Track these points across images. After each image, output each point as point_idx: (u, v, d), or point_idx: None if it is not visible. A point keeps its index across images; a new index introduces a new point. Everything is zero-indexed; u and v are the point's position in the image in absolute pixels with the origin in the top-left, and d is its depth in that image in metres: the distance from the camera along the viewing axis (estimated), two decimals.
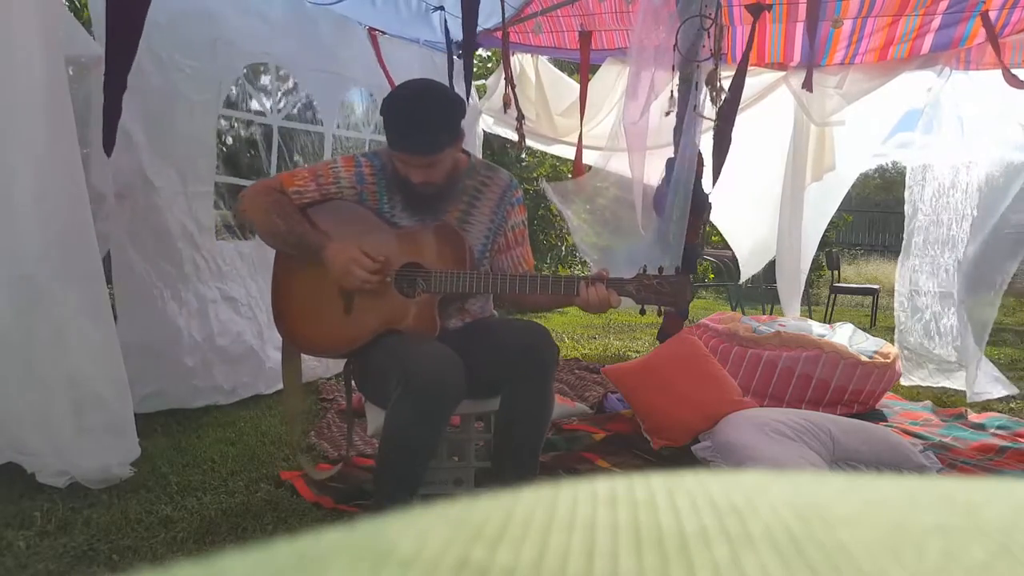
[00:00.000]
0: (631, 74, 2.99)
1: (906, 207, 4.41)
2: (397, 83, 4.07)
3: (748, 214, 4.66)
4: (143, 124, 2.76)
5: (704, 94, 2.93)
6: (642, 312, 1.86)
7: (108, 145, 2.37)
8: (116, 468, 2.18)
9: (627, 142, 2.97)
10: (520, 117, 3.80)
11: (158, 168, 2.85)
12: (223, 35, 3.06)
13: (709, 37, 2.81)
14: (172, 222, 2.91)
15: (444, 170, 1.86)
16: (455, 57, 4.32)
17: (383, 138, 3.88)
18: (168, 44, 2.83)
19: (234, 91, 3.30)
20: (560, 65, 4.86)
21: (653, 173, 3.03)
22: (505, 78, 3.88)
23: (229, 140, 3.57)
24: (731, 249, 5.30)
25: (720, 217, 4.88)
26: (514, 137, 4.52)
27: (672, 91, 2.92)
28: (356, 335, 1.88)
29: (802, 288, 4.69)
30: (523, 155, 7.25)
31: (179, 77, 2.90)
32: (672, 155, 3.05)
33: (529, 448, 1.85)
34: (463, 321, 1.98)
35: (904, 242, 4.42)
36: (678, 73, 2.89)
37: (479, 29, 4.09)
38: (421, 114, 1.79)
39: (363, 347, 1.88)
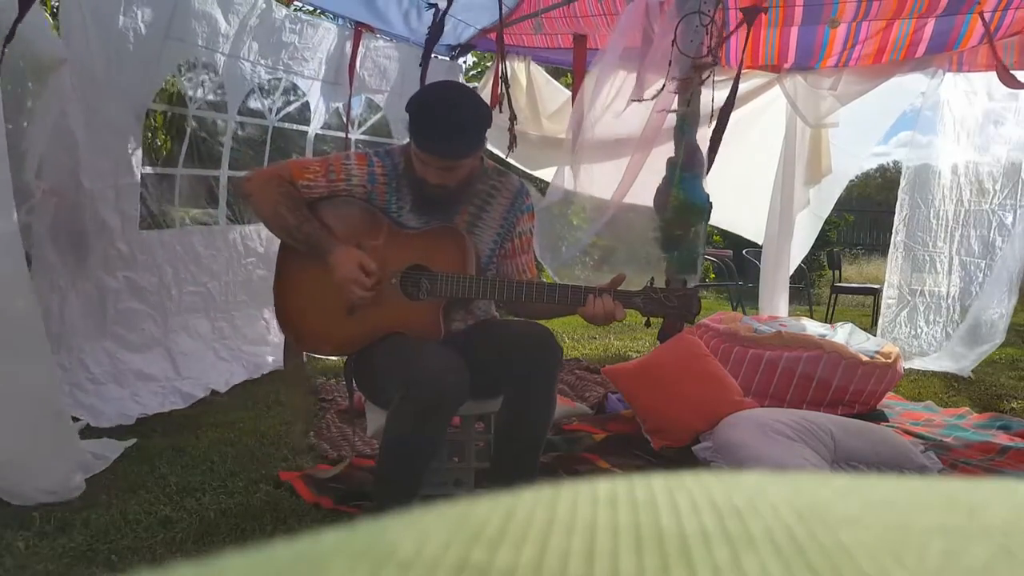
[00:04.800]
0: (605, 69, 2.98)
1: (899, 203, 4.43)
2: (372, 81, 4.16)
3: (751, 214, 4.66)
4: (85, 117, 2.83)
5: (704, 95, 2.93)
6: (647, 324, 1.86)
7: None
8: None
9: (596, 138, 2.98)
10: (512, 118, 3.80)
11: (93, 163, 2.93)
12: (169, 29, 3.14)
13: (708, 35, 2.81)
14: (94, 214, 2.98)
15: (461, 175, 1.85)
16: (447, 57, 4.36)
17: (284, 124, 4.01)
18: (114, 35, 2.91)
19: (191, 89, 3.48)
20: (553, 72, 4.87)
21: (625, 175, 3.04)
22: (499, 77, 3.89)
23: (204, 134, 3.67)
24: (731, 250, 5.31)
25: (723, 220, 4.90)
26: (495, 148, 4.53)
27: (660, 90, 2.91)
28: (359, 336, 1.87)
29: (786, 289, 4.69)
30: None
31: (120, 68, 2.97)
32: (672, 155, 3.06)
33: (530, 449, 1.84)
34: (466, 323, 1.97)
35: (895, 238, 4.47)
36: (678, 70, 2.88)
37: (476, 29, 4.11)
38: (456, 119, 1.78)
39: (366, 348, 1.88)
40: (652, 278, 1.83)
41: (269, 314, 3.97)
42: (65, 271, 2.89)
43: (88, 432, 2.64)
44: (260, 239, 3.92)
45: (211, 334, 3.66)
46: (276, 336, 3.95)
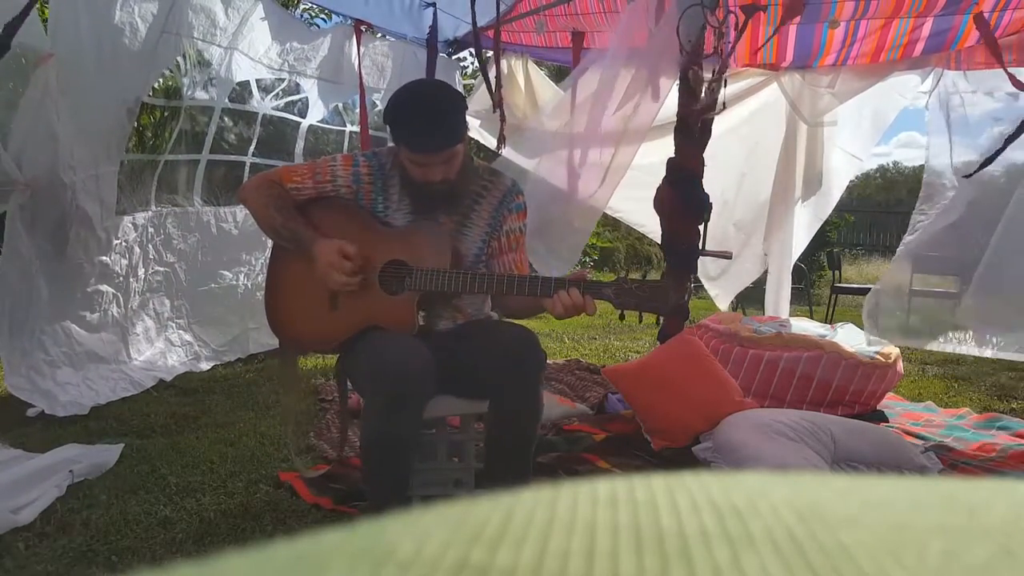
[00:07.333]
0: (608, 70, 2.98)
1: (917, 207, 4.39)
2: (369, 80, 4.21)
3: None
4: (72, 110, 2.86)
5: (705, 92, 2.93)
6: (621, 317, 1.83)
7: None
8: None
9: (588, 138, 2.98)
10: (502, 119, 3.80)
11: (78, 155, 2.96)
12: (166, 24, 3.19)
13: (713, 34, 2.80)
14: (75, 204, 3.03)
15: (458, 164, 1.88)
16: (444, 54, 4.37)
17: (276, 114, 4.14)
18: (109, 29, 2.96)
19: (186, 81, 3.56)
20: (555, 70, 4.88)
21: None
22: (494, 77, 3.90)
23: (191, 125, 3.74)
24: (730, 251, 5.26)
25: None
26: (493, 143, 4.54)
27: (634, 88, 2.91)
28: (338, 330, 1.90)
29: (788, 291, 4.69)
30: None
31: (114, 62, 3.01)
32: (672, 155, 3.05)
33: (518, 451, 1.84)
34: (455, 322, 1.98)
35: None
36: (679, 70, 2.87)
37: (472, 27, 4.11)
38: (437, 110, 1.82)
39: (347, 343, 1.89)
40: (627, 270, 1.82)
41: (232, 297, 4.04)
42: (40, 260, 2.92)
43: (43, 419, 2.72)
44: (235, 221, 3.96)
45: (169, 313, 3.74)
46: (235, 316, 4.02)
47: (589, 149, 3.08)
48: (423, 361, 1.72)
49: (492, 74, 4.03)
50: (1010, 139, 3.29)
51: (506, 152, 3.89)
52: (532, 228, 3.06)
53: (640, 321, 1.85)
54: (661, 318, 3.24)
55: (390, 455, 1.72)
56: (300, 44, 3.90)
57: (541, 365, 1.83)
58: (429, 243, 1.89)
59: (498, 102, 3.86)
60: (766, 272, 4.74)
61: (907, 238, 3.77)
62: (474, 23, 3.65)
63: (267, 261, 2.07)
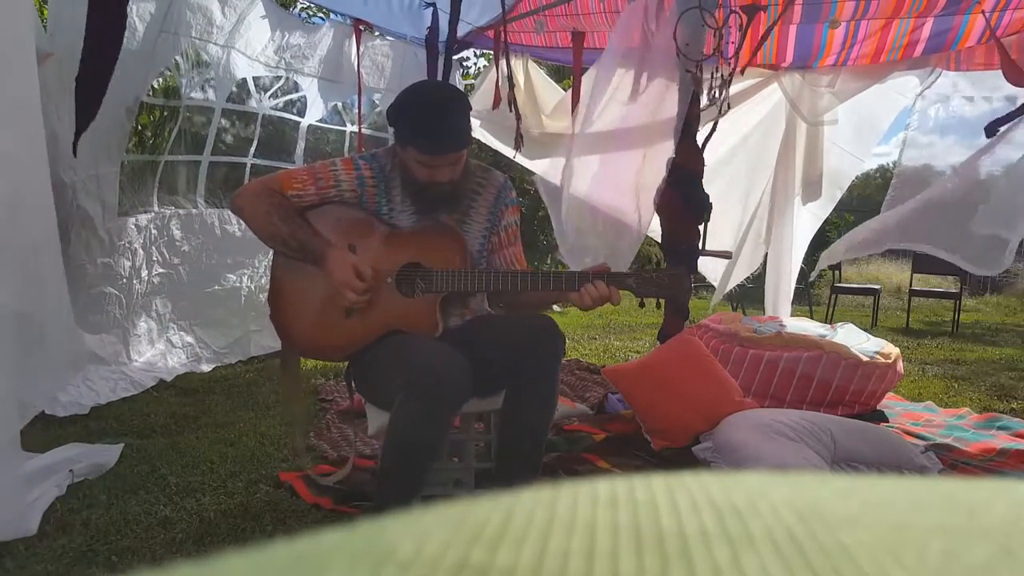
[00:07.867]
0: (605, 68, 2.98)
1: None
2: (369, 79, 4.22)
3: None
4: (71, 110, 2.87)
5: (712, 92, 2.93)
6: (641, 305, 1.86)
7: (74, 145, 2.43)
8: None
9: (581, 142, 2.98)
10: (518, 118, 3.81)
11: (79, 154, 2.97)
12: (164, 23, 3.22)
13: (713, 34, 2.80)
14: (76, 204, 3.06)
15: (463, 165, 1.90)
16: (444, 55, 4.38)
17: (275, 114, 4.13)
18: None
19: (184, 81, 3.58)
20: (555, 71, 4.87)
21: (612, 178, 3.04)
22: (504, 76, 3.90)
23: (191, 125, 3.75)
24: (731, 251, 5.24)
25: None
26: (496, 143, 4.54)
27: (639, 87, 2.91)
28: (358, 337, 1.88)
29: (791, 291, 4.68)
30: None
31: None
32: (672, 155, 3.05)
33: (534, 440, 1.84)
34: (463, 318, 1.98)
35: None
36: (679, 71, 2.87)
37: (473, 27, 4.12)
38: (452, 112, 1.83)
39: (365, 349, 1.88)
40: (640, 265, 1.86)
41: (234, 299, 4.05)
42: None
43: (42, 420, 2.71)
44: (239, 224, 3.97)
45: (171, 314, 3.75)
46: (237, 319, 4.03)
47: (587, 147, 3.08)
48: (461, 369, 1.71)
49: (493, 75, 4.04)
50: (1009, 116, 3.24)
51: (518, 156, 3.91)
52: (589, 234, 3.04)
53: (658, 307, 1.91)
54: (663, 317, 3.24)
55: (415, 460, 1.71)
56: (297, 41, 3.90)
57: (562, 347, 1.85)
58: (443, 243, 1.89)
59: (500, 100, 3.87)
60: (765, 272, 4.73)
61: (877, 217, 3.71)
62: (452, 26, 3.66)
63: (270, 263, 2.04)
